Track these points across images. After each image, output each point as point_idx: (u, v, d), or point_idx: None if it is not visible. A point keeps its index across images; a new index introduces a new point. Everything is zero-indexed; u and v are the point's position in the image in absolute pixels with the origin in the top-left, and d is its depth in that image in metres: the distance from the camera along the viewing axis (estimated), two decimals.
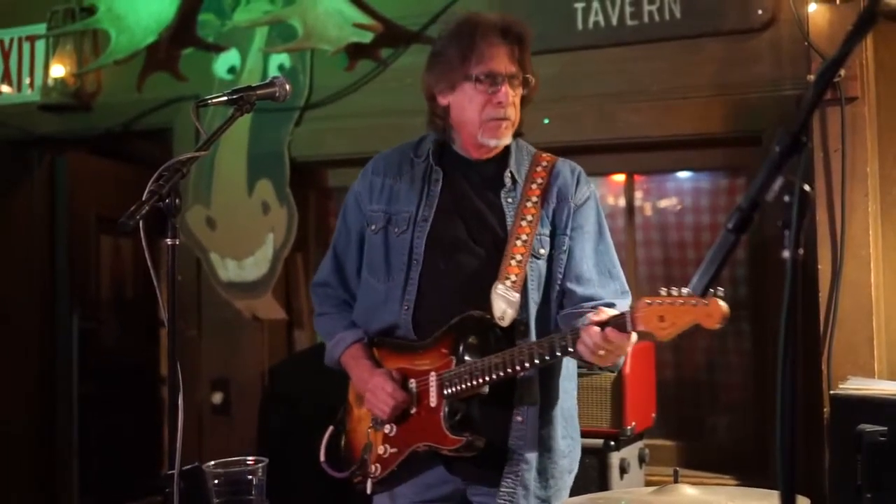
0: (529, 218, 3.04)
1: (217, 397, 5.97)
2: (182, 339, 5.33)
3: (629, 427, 4.36)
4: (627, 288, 3.14)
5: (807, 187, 1.64)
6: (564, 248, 3.07)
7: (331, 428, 3.29)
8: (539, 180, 3.10)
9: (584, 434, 3.33)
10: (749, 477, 4.76)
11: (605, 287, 3.08)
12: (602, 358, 2.75)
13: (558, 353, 2.81)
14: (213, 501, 2.55)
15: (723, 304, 2.50)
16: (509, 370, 2.86)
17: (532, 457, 3.01)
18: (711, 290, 2.48)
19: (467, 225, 3.09)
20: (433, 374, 3.01)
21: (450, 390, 2.97)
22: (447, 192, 3.12)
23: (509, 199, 3.08)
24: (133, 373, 7.16)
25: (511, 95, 3.02)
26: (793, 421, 1.63)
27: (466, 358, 2.96)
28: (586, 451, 3.75)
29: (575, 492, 3.16)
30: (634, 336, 2.70)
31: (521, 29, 3.06)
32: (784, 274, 1.64)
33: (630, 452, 4.46)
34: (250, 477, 2.56)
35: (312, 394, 4.02)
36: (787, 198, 1.65)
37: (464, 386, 2.94)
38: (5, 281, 6.49)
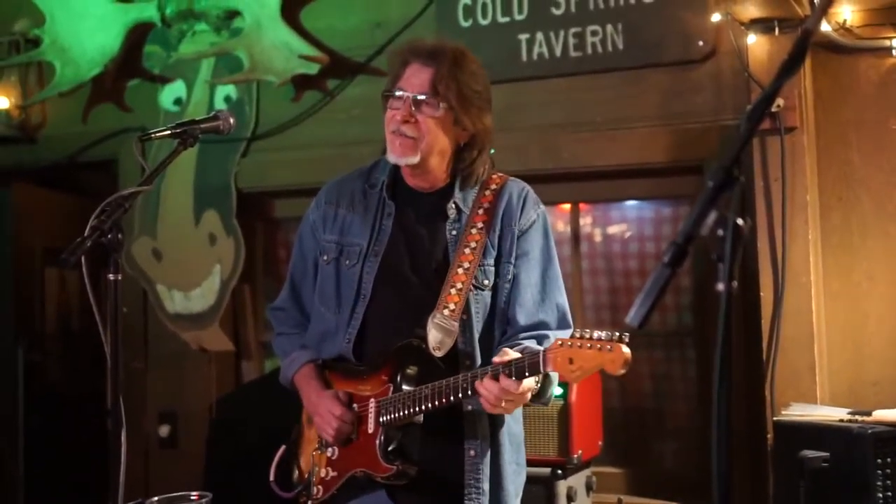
0: (473, 245, 3.02)
1: (164, 430, 5.92)
2: (128, 372, 5.30)
3: (576, 455, 4.38)
4: (570, 318, 3.13)
5: (740, 221, 1.67)
6: (509, 276, 3.06)
7: (283, 447, 3.29)
8: (486, 205, 3.09)
9: (532, 463, 3.33)
10: (694, 503, 4.80)
11: (549, 315, 3.07)
12: (497, 407, 2.77)
13: (469, 394, 2.80)
14: None
15: (626, 350, 2.51)
16: (436, 402, 2.86)
17: (488, 488, 3.01)
18: (617, 334, 2.53)
19: (413, 260, 3.08)
20: (372, 400, 3.02)
21: (385, 417, 2.98)
22: (398, 227, 3.11)
23: (453, 232, 3.07)
24: (80, 406, 7.08)
25: (410, 114, 2.98)
26: (728, 451, 1.66)
27: (404, 386, 2.97)
28: (533, 480, 3.76)
29: None
30: (524, 384, 2.70)
31: (447, 51, 3.02)
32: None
33: (577, 480, 4.47)
34: None
35: (260, 425, 4.00)
36: (720, 232, 1.67)
37: (398, 414, 2.94)
38: None
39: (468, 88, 3.01)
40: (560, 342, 2.62)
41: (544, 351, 2.67)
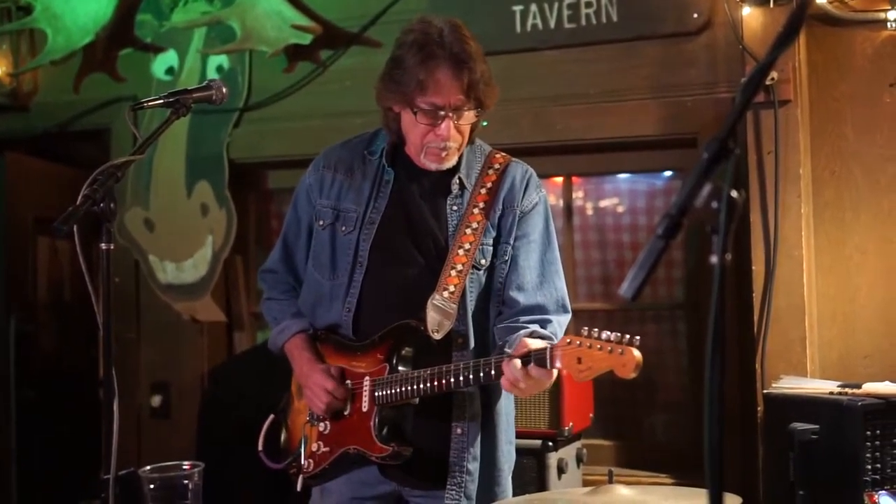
0: (475, 226, 3.01)
1: (156, 400, 5.93)
2: (121, 342, 5.30)
3: (567, 427, 4.39)
4: (568, 303, 3.11)
5: (735, 193, 1.66)
6: (507, 256, 3.05)
7: (271, 416, 3.29)
8: (489, 184, 3.07)
9: (522, 435, 3.35)
10: (686, 476, 4.82)
11: (547, 299, 3.06)
12: (521, 391, 2.76)
13: (482, 379, 2.80)
14: None
15: (637, 354, 2.49)
16: (437, 387, 2.86)
17: (474, 468, 3.02)
18: (628, 337, 2.51)
19: (412, 232, 3.07)
20: (367, 378, 3.02)
21: (381, 398, 2.98)
22: (396, 196, 3.10)
23: (454, 207, 3.06)
24: (73, 376, 7.07)
25: (454, 126, 2.95)
26: (720, 423, 1.66)
27: (400, 367, 2.97)
28: (525, 452, 3.79)
29: (513, 492, 3.19)
30: (555, 372, 2.68)
31: (472, 54, 2.92)
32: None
33: (568, 452, 4.49)
34: (186, 482, 2.55)
35: (252, 396, 4.00)
36: (715, 204, 1.67)
37: (395, 396, 2.94)
38: None
39: (487, 75, 2.98)
40: (568, 340, 2.61)
41: (552, 348, 2.65)
